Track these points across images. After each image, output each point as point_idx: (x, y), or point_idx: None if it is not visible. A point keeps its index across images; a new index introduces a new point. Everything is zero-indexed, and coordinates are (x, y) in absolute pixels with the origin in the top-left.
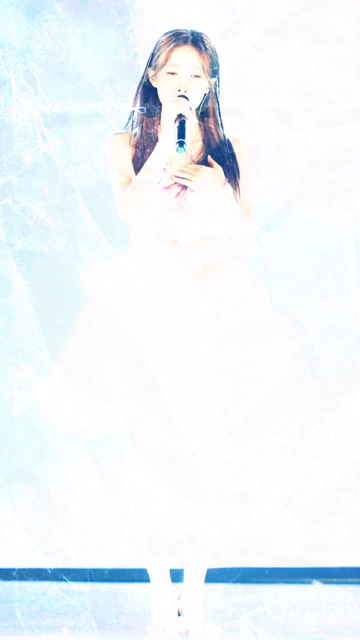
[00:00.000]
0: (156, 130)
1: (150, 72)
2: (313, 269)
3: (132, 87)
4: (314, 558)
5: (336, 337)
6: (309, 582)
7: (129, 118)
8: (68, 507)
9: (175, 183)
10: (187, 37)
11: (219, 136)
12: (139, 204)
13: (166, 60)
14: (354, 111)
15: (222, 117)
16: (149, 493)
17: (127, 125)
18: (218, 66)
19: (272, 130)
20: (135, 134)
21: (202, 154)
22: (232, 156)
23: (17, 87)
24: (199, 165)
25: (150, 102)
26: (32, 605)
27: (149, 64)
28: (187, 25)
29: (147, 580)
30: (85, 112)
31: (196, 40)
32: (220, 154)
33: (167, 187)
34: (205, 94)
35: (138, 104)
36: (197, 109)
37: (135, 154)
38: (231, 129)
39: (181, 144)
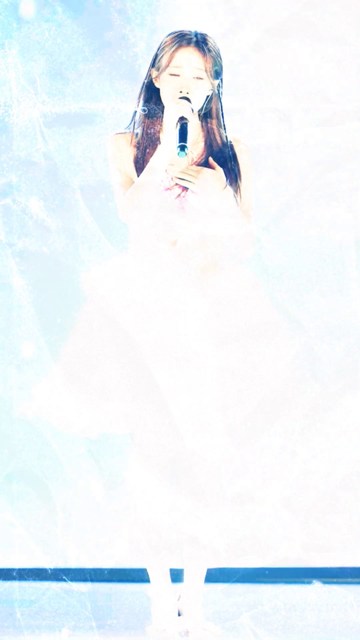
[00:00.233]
0: (157, 131)
1: (154, 73)
2: (313, 269)
3: (132, 87)
4: (314, 558)
5: (336, 337)
6: (309, 582)
7: (132, 118)
8: (68, 507)
9: (177, 184)
10: (190, 38)
11: (221, 138)
12: (139, 204)
13: (169, 61)
14: (354, 111)
15: (224, 117)
16: (149, 493)
17: (129, 125)
18: (221, 68)
19: (272, 130)
20: (137, 134)
21: (203, 155)
22: (233, 157)
23: (17, 87)
24: (201, 167)
25: (153, 102)
26: (32, 605)
27: (153, 64)
28: (187, 25)
29: (147, 580)
30: (85, 112)
31: (200, 42)
32: (221, 155)
33: (168, 189)
34: (208, 96)
35: (140, 104)
36: (200, 110)
37: (136, 154)
38: (231, 129)
39: (182, 148)
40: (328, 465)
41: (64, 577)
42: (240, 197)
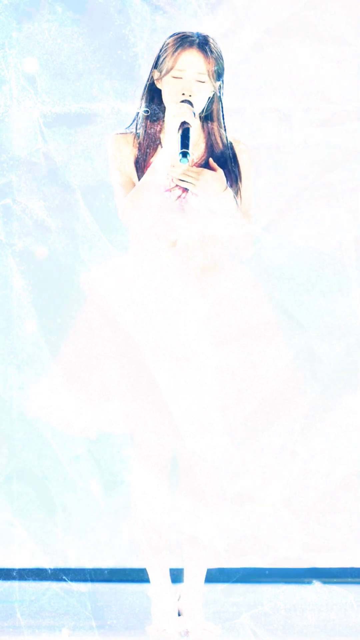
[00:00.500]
0: (158, 131)
1: (156, 75)
2: (313, 269)
3: (132, 87)
4: (314, 558)
5: (336, 337)
6: (309, 582)
7: (134, 119)
8: (68, 507)
9: (177, 186)
10: (193, 40)
11: (221, 139)
12: (140, 205)
13: (171, 63)
14: (354, 111)
15: (225, 118)
16: (149, 493)
17: (130, 125)
18: (223, 69)
19: (272, 130)
20: (137, 135)
21: (204, 157)
22: (233, 158)
23: (17, 87)
24: (201, 169)
25: (155, 103)
26: (32, 605)
27: (155, 66)
28: (187, 25)
29: (147, 580)
30: (85, 112)
31: (202, 44)
32: (221, 156)
33: (168, 190)
34: (209, 97)
35: (143, 105)
36: (201, 112)
37: (137, 155)
38: (231, 129)
39: (184, 154)
40: (328, 465)
41: (64, 577)
42: (240, 197)
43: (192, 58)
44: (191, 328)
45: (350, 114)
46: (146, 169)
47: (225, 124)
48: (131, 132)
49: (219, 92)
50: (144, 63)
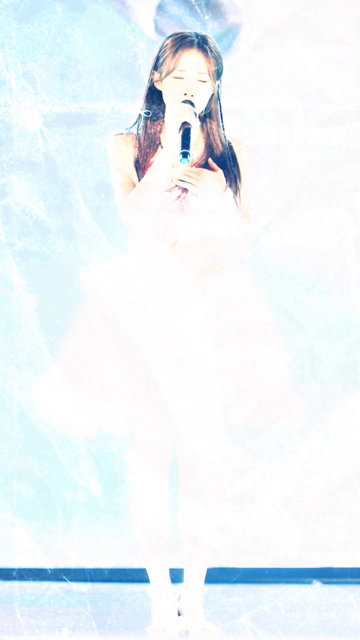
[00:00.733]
0: (158, 131)
1: (156, 76)
2: (313, 269)
3: (132, 87)
4: (314, 558)
5: (336, 337)
6: (309, 582)
7: (136, 121)
8: (68, 507)
9: (177, 186)
10: (192, 40)
11: (220, 138)
12: (140, 205)
13: (172, 64)
14: (354, 111)
15: (223, 118)
16: (149, 493)
17: (132, 126)
18: (222, 68)
19: (272, 130)
20: (137, 135)
21: (203, 157)
22: (233, 158)
23: (17, 87)
24: (201, 169)
25: (156, 103)
26: (32, 605)
27: (155, 67)
28: (187, 25)
29: (147, 580)
30: (85, 112)
31: (202, 44)
32: (221, 156)
33: (168, 190)
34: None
35: (144, 106)
36: (201, 112)
37: (137, 155)
38: (231, 129)
39: (185, 155)
40: (328, 465)
41: (64, 577)
42: (240, 197)
43: (192, 58)
44: (191, 328)
45: (350, 114)
46: (146, 170)
47: (224, 124)
48: (131, 133)
49: (218, 91)
50: (144, 63)
